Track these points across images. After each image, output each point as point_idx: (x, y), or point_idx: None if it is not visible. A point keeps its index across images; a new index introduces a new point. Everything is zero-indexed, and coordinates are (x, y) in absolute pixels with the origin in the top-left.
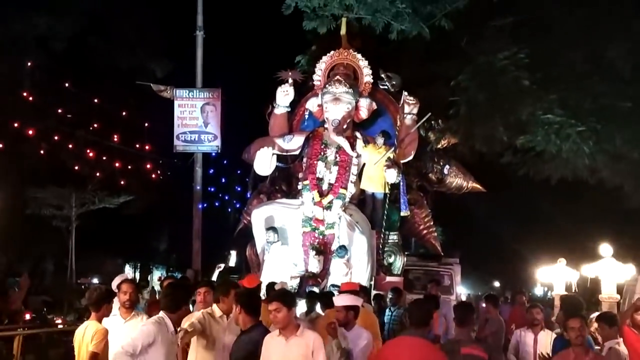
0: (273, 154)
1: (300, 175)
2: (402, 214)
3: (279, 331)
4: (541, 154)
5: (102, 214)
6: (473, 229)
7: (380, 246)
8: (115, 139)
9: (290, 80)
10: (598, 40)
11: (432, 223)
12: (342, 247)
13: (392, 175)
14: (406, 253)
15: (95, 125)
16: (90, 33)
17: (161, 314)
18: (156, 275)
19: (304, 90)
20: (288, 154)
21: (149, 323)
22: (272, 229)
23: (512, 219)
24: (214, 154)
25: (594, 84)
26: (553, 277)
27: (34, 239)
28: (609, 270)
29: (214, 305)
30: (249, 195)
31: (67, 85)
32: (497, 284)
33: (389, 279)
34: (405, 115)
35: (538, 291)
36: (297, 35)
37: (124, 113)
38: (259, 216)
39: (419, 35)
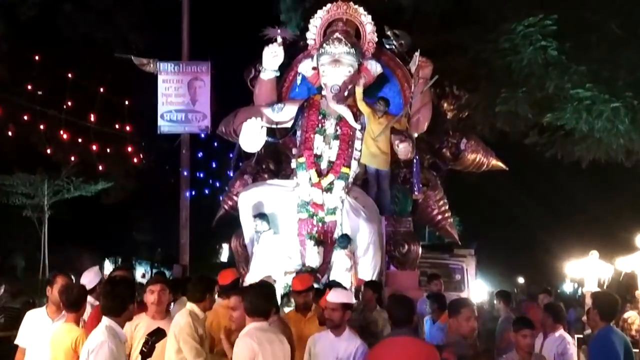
0: (262, 126)
1: (294, 151)
2: (414, 196)
3: None
4: (571, 134)
5: (78, 203)
6: (494, 218)
7: (392, 234)
8: (92, 119)
9: (279, 40)
10: (635, 4)
11: (447, 207)
12: (344, 236)
13: (406, 151)
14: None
15: (70, 104)
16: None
17: (106, 321)
18: (139, 272)
19: (293, 52)
20: (277, 126)
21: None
22: (260, 215)
23: (538, 207)
24: (203, 135)
25: (630, 54)
26: (584, 271)
27: (2, 231)
28: None
29: (191, 304)
30: (230, 175)
31: (37, 58)
32: (521, 279)
33: (402, 273)
34: (417, 80)
35: (567, 288)
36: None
37: (101, 90)
38: (246, 200)
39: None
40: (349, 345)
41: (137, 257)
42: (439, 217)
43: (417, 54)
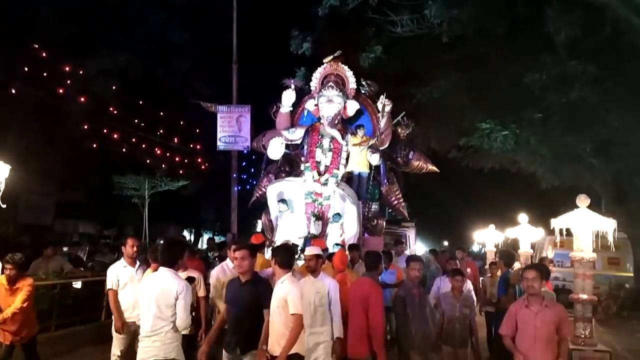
0: (282, 142)
1: (303, 159)
2: (382, 189)
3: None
4: (477, 151)
5: (167, 194)
6: (430, 204)
7: (366, 213)
8: (175, 141)
9: (293, 86)
10: (517, 70)
11: (401, 196)
12: (337, 214)
13: (376, 159)
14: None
15: (161, 131)
16: (158, 65)
17: (168, 270)
18: (205, 237)
19: (301, 95)
20: (291, 142)
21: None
22: (282, 200)
23: (457, 197)
24: (245, 151)
25: (515, 101)
26: (485, 237)
27: (119, 212)
28: (525, 233)
29: (228, 259)
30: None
31: (140, 102)
32: (446, 242)
33: (373, 238)
34: (384, 113)
35: (475, 248)
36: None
37: (181, 122)
38: (273, 191)
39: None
40: (324, 282)
41: (204, 228)
42: (395, 202)
43: (382, 96)
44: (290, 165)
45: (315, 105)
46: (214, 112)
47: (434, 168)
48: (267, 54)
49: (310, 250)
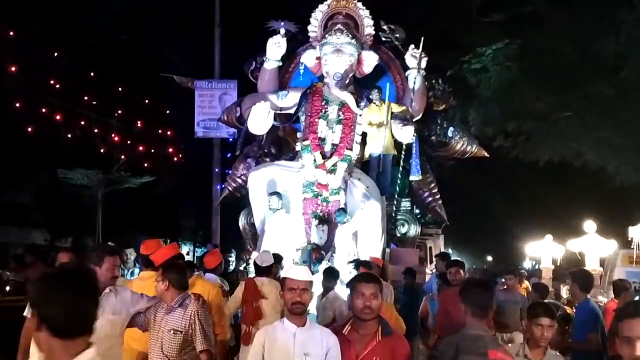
0: (269, 110)
1: (299, 135)
2: (412, 178)
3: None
4: (530, 138)
5: (132, 195)
6: (469, 207)
7: (393, 214)
8: (139, 125)
9: (283, 31)
10: (585, 32)
11: (437, 190)
12: (341, 210)
13: (409, 134)
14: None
15: (120, 112)
16: (121, 31)
17: None
18: (184, 250)
19: (294, 45)
20: (281, 112)
21: None
22: (275, 194)
23: (503, 199)
24: (231, 139)
25: (581, 73)
26: (541, 251)
27: (74, 217)
28: (592, 245)
29: None
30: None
31: (92, 74)
32: (489, 258)
33: (404, 250)
34: (420, 69)
35: (526, 264)
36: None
37: (146, 101)
38: (258, 180)
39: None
40: (320, 335)
41: (183, 238)
42: (430, 199)
43: (412, 46)
44: (279, 146)
45: (317, 58)
46: (191, 89)
47: (483, 152)
48: (259, 17)
49: (300, 274)
